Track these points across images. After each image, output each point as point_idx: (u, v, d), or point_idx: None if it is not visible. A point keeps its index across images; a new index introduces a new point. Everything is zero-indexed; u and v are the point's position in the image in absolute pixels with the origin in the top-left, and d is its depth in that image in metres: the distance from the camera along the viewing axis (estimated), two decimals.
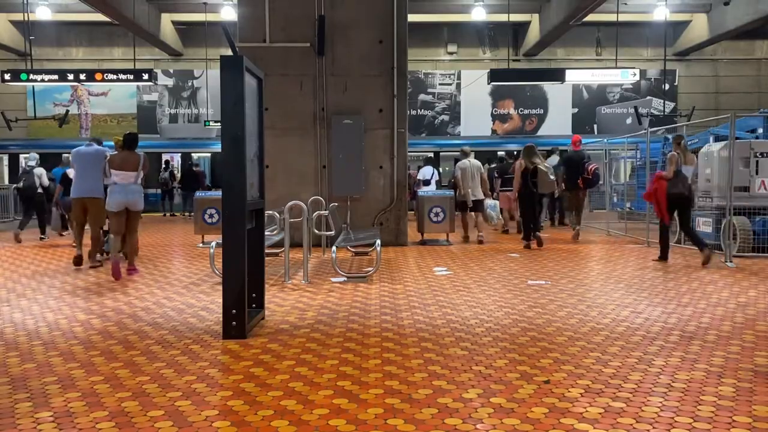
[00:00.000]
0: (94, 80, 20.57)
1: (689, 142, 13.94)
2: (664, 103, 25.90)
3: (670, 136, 15.77)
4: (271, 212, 8.52)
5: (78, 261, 8.98)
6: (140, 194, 8.35)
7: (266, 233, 6.88)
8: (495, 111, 28.34)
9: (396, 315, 5.82)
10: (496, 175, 14.42)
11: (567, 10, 21.29)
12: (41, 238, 13.21)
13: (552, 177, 11.08)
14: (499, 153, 19.06)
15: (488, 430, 3.20)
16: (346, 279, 7.86)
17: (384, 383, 3.90)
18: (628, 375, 4.03)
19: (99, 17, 22.58)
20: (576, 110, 28.20)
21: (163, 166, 22.81)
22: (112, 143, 10.00)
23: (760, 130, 11.91)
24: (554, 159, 14.74)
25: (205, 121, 27.05)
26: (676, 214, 9.26)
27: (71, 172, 10.13)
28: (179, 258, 10.15)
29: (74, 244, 9.50)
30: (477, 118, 28.16)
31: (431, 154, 22.79)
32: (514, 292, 6.96)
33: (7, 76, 20.25)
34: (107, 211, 8.34)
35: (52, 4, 23.31)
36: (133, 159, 8.30)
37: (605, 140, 16.68)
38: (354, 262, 9.55)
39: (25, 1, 21.13)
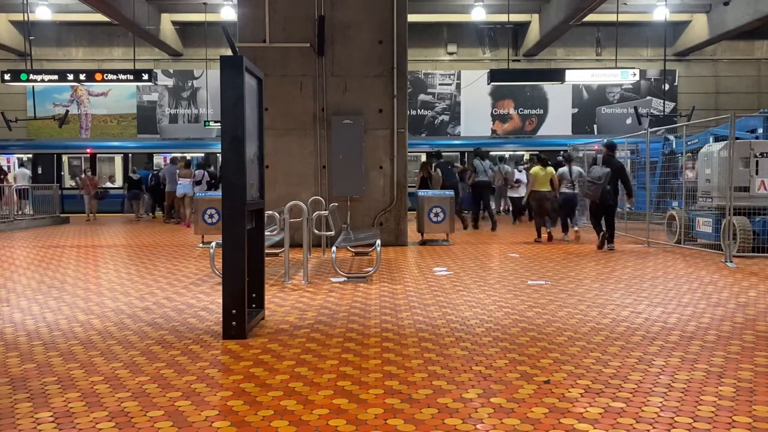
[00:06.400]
0: (94, 80, 20.56)
1: (689, 142, 13.94)
2: (664, 103, 25.90)
3: (670, 137, 15.78)
4: (271, 212, 8.52)
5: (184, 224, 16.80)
6: (190, 188, 16.71)
7: (266, 233, 6.89)
8: (495, 111, 28.33)
9: (396, 315, 5.82)
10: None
11: (567, 10, 21.28)
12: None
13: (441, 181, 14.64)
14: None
15: (488, 430, 3.20)
16: (346, 279, 7.86)
17: (384, 383, 3.90)
18: (628, 375, 4.03)
19: (99, 17, 22.57)
20: (576, 110, 28.20)
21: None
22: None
23: (760, 130, 11.89)
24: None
25: (205, 122, 27.04)
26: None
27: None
28: (179, 258, 10.15)
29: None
30: (477, 118, 28.15)
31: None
32: (514, 292, 6.96)
33: (7, 76, 20.24)
34: (176, 196, 17.37)
35: (52, 4, 23.29)
36: (189, 171, 17.46)
37: (605, 140, 16.65)
38: (354, 263, 9.55)
39: (25, 1, 21.13)
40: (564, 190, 12.29)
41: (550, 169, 12.50)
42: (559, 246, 11.51)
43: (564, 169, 12.55)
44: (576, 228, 12.60)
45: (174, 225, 17.25)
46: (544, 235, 12.21)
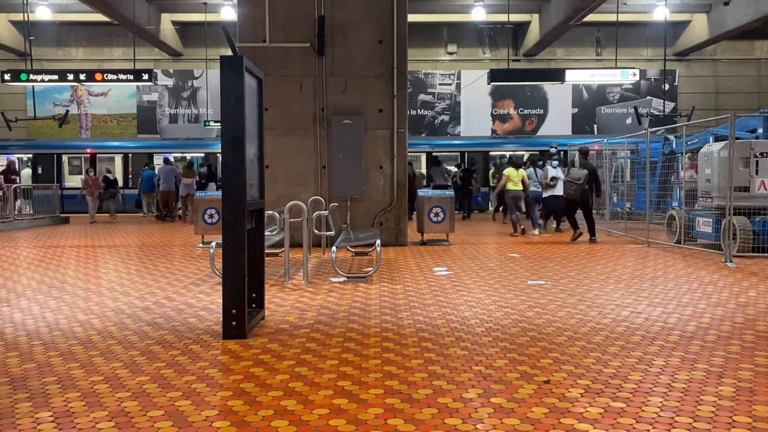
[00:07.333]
0: (94, 80, 20.56)
1: (689, 142, 13.94)
2: (663, 103, 25.89)
3: (670, 137, 15.78)
4: (271, 212, 8.52)
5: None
6: (194, 188, 17.41)
7: (266, 233, 6.89)
8: (495, 111, 28.32)
9: (396, 315, 5.82)
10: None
11: (567, 10, 21.29)
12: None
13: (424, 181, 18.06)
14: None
15: (488, 430, 3.20)
16: (346, 279, 7.86)
17: (384, 383, 3.90)
18: (628, 375, 4.03)
19: (99, 17, 22.57)
20: (576, 110, 28.20)
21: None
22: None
23: (760, 130, 11.89)
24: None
25: (205, 121, 27.04)
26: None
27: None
28: (179, 258, 10.15)
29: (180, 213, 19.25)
30: (477, 118, 28.14)
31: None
32: (514, 292, 6.96)
33: (7, 76, 20.24)
34: (180, 195, 18.56)
35: (52, 4, 23.29)
36: (191, 172, 18.59)
37: (605, 140, 16.68)
38: (354, 262, 9.55)
39: (25, 1, 21.13)
40: (532, 188, 13.97)
41: (522, 170, 13.79)
42: (558, 246, 11.51)
43: (531, 170, 14.49)
44: (536, 227, 13.92)
45: (169, 223, 18.18)
46: (520, 229, 13.40)
